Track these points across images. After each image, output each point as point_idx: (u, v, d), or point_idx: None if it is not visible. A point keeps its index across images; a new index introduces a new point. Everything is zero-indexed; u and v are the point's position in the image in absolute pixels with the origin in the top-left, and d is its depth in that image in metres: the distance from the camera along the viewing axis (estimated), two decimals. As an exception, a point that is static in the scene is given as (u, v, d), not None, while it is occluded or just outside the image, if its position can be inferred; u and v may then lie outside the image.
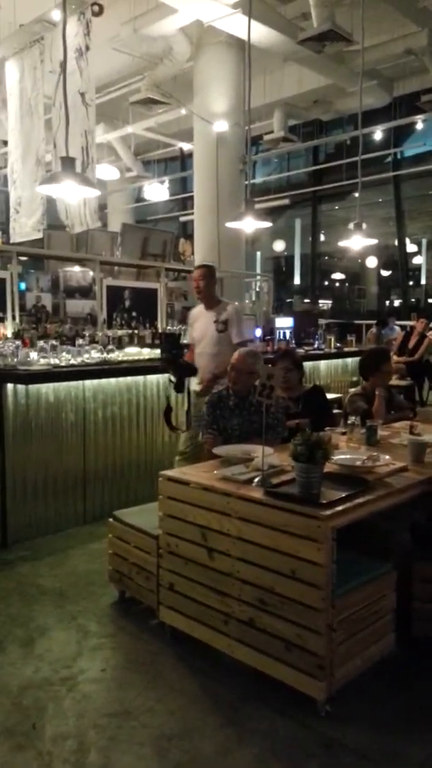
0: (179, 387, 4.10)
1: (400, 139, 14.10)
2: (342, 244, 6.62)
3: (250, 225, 5.61)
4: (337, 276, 21.87)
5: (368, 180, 12.11)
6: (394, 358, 8.21)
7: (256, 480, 2.69)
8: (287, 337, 8.11)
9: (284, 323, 8.52)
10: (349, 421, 3.77)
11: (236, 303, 5.13)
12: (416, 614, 2.78)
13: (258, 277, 11.04)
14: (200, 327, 4.67)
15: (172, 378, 4.09)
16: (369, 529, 2.96)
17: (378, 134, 12.81)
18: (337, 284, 23.03)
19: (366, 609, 2.53)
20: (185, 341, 4.90)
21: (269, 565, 2.47)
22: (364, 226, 6.41)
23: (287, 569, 2.41)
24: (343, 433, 3.70)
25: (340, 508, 2.43)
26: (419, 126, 12.38)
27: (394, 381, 7.92)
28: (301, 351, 7.29)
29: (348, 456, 3.07)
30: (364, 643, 2.53)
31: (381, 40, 9.21)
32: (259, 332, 7.39)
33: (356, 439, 3.55)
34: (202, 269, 4.68)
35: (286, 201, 15.56)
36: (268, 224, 5.99)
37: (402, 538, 2.92)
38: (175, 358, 4.13)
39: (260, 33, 7.98)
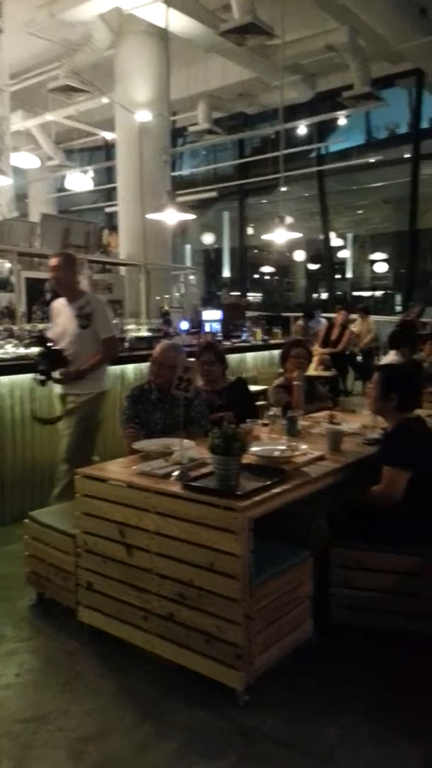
0: (46, 378, 3.95)
1: (323, 134, 14.39)
2: (266, 237, 6.69)
3: (172, 217, 5.57)
4: (267, 269, 22.15)
5: (292, 174, 12.31)
6: (319, 349, 8.39)
7: (175, 474, 2.67)
8: (215, 329, 8.12)
9: (212, 316, 8.52)
10: (270, 413, 3.81)
11: (100, 296, 4.87)
12: (333, 600, 2.83)
13: (186, 270, 11.02)
14: (62, 322, 4.22)
15: (41, 367, 3.94)
16: (288, 518, 3.01)
17: (302, 129, 13.02)
18: (267, 277, 23.33)
19: (284, 597, 2.56)
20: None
21: (188, 558, 2.46)
22: (289, 220, 6.50)
23: (205, 562, 2.40)
24: (265, 425, 3.74)
25: (256, 498, 2.44)
26: (342, 122, 12.65)
27: (319, 372, 8.11)
28: (227, 343, 7.31)
29: (267, 447, 3.10)
30: (283, 631, 2.56)
31: (302, 35, 9.34)
32: (185, 325, 7.36)
33: (277, 430, 3.59)
34: (59, 257, 4.19)
35: (214, 194, 15.59)
36: (191, 216, 5.98)
37: (320, 525, 2.97)
38: (47, 348, 4.00)
39: (181, 23, 7.92)
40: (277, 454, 2.99)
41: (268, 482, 2.58)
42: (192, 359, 3.89)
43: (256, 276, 23.34)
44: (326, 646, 2.74)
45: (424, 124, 13.74)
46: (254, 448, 2.97)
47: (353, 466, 3.07)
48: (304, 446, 3.08)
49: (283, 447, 3.08)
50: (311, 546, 2.80)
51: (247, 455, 2.85)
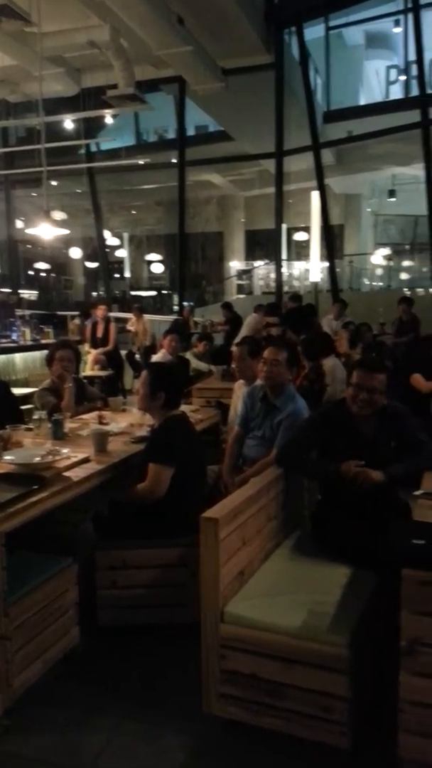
0: None
1: (91, 131, 14.26)
2: (30, 231, 6.40)
3: None
4: (42, 265, 21.35)
5: (58, 169, 12.00)
6: (92, 350, 8.29)
7: None
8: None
9: (-23, 315, 7.94)
10: (35, 416, 3.65)
11: None
12: (101, 602, 2.80)
13: None
14: None
15: None
16: (54, 524, 2.91)
17: (69, 124, 12.74)
18: (43, 274, 22.50)
19: (46, 609, 2.46)
20: None
21: None
22: (60, 215, 6.29)
23: None
24: (30, 429, 3.57)
25: (10, 510, 2.30)
26: (109, 120, 12.66)
27: (95, 372, 8.03)
28: (-7, 344, 6.87)
29: (26, 453, 2.94)
30: (46, 644, 2.46)
31: (64, 27, 9.12)
32: None
33: (43, 434, 3.45)
34: None
35: (-22, 184, 14.55)
36: None
37: (85, 528, 2.92)
38: None
39: None
40: (37, 460, 2.84)
41: (24, 491, 2.45)
42: None
43: (31, 272, 22.38)
44: (93, 651, 2.70)
45: (191, 131, 14.41)
46: (8, 456, 2.80)
47: (119, 465, 3.07)
48: (65, 450, 2.99)
49: (44, 452, 2.95)
50: (78, 550, 2.73)
51: (2, 464, 2.69)
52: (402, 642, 1.84)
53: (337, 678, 2.08)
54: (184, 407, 3.51)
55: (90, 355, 8.20)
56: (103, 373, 8.03)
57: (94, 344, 8.49)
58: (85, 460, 3.00)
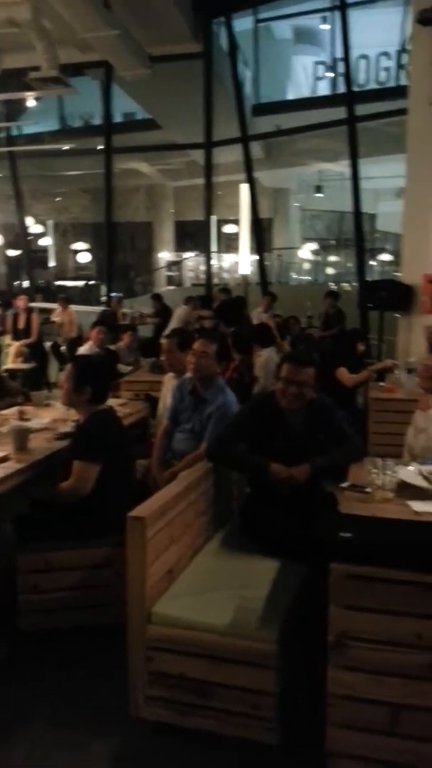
0: None
1: (11, 114, 13.71)
2: None
3: None
4: (-42, 252, 20.38)
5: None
6: (13, 342, 7.98)
7: None
8: None
9: None
10: None
11: None
12: (22, 608, 2.68)
13: None
14: None
15: None
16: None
17: (-11, 105, 12.18)
18: (-40, 262, 21.50)
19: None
20: None
21: None
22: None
23: None
24: None
25: None
26: (31, 104, 12.17)
27: (17, 365, 7.75)
28: None
29: None
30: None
31: (-19, 2, 8.65)
32: None
33: (-42, 432, 3.26)
34: None
35: None
36: None
37: (3, 530, 2.78)
38: None
39: None
40: None
41: None
42: None
43: None
44: (14, 658, 2.58)
45: (118, 118, 14.08)
46: None
47: (41, 464, 2.94)
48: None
49: (-41, 451, 2.79)
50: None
51: None
52: (330, 636, 1.84)
53: (266, 674, 2.07)
54: (111, 401, 3.41)
55: (11, 347, 7.90)
56: (25, 366, 7.76)
57: (16, 336, 8.17)
58: (4, 459, 2.86)
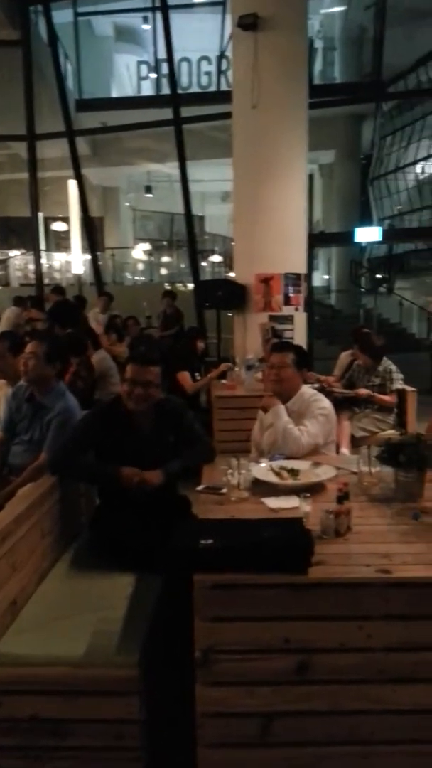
0: None
1: None
2: None
3: None
4: None
5: None
6: None
7: None
8: None
9: None
10: None
11: None
12: None
13: None
14: None
15: None
16: None
17: None
18: None
19: None
20: None
21: None
22: None
23: None
24: None
25: None
26: None
27: None
28: None
29: None
30: None
31: None
32: None
33: None
34: None
35: None
36: None
37: None
38: None
39: None
40: None
41: None
42: None
43: None
44: None
45: None
46: None
47: None
48: None
49: None
50: None
51: None
52: (197, 653, 1.72)
53: (128, 701, 1.92)
54: None
55: None
56: None
57: None
58: None
